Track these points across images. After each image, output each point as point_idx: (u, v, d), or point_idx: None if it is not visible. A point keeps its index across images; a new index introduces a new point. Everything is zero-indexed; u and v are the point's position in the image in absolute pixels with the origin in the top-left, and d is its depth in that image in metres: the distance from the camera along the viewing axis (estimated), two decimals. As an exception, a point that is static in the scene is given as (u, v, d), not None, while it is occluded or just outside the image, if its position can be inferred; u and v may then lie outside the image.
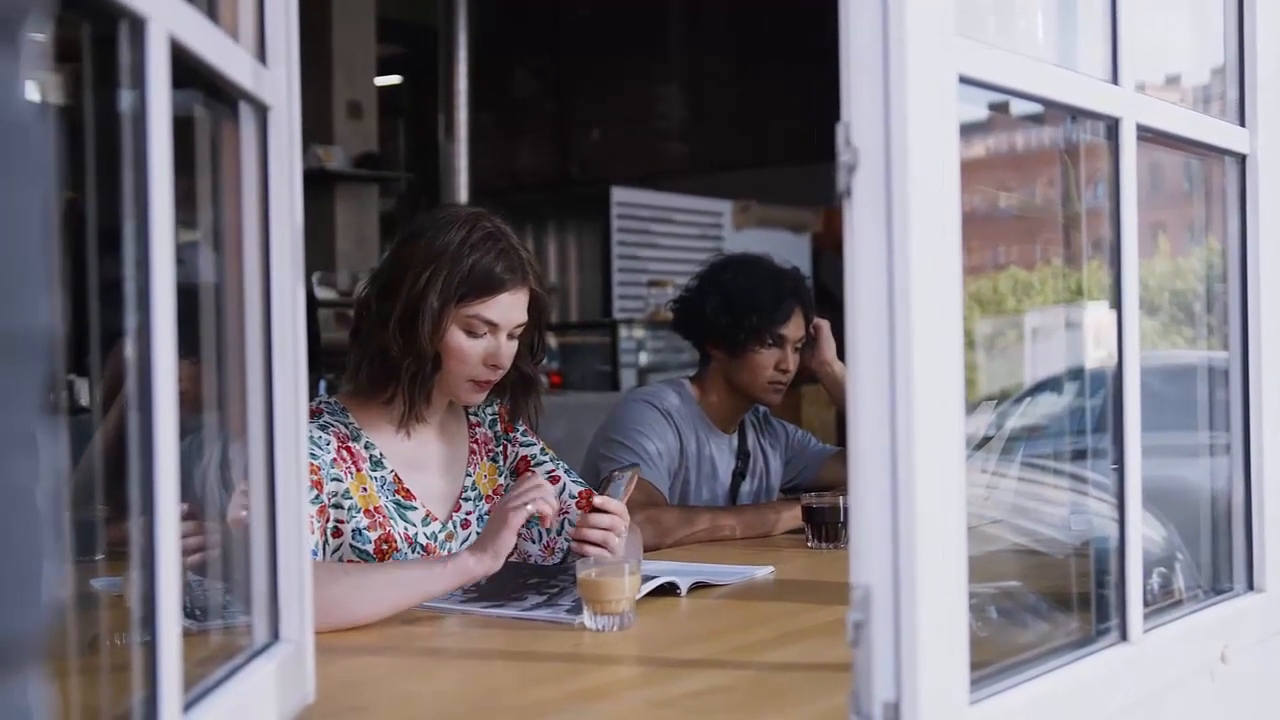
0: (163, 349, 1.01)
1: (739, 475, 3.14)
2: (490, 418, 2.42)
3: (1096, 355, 1.92)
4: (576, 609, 1.90)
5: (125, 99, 1.02)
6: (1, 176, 0.57)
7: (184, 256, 1.09)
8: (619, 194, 8.07)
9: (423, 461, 2.30)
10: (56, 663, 0.65)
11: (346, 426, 2.22)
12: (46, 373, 0.60)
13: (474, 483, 2.36)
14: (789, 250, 6.55)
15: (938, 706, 1.17)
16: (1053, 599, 1.74)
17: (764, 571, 2.35)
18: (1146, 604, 1.55)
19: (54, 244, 0.61)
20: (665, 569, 2.17)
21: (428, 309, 2.15)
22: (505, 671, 1.68)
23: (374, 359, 2.21)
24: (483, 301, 2.18)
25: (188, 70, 1.11)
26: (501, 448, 2.41)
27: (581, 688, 1.61)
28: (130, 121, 1.01)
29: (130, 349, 1.01)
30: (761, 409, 3.20)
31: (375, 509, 2.19)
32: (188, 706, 1.08)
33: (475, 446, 2.38)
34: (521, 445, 2.43)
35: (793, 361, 3.02)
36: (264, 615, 1.36)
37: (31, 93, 0.60)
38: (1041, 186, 2.08)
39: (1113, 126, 1.52)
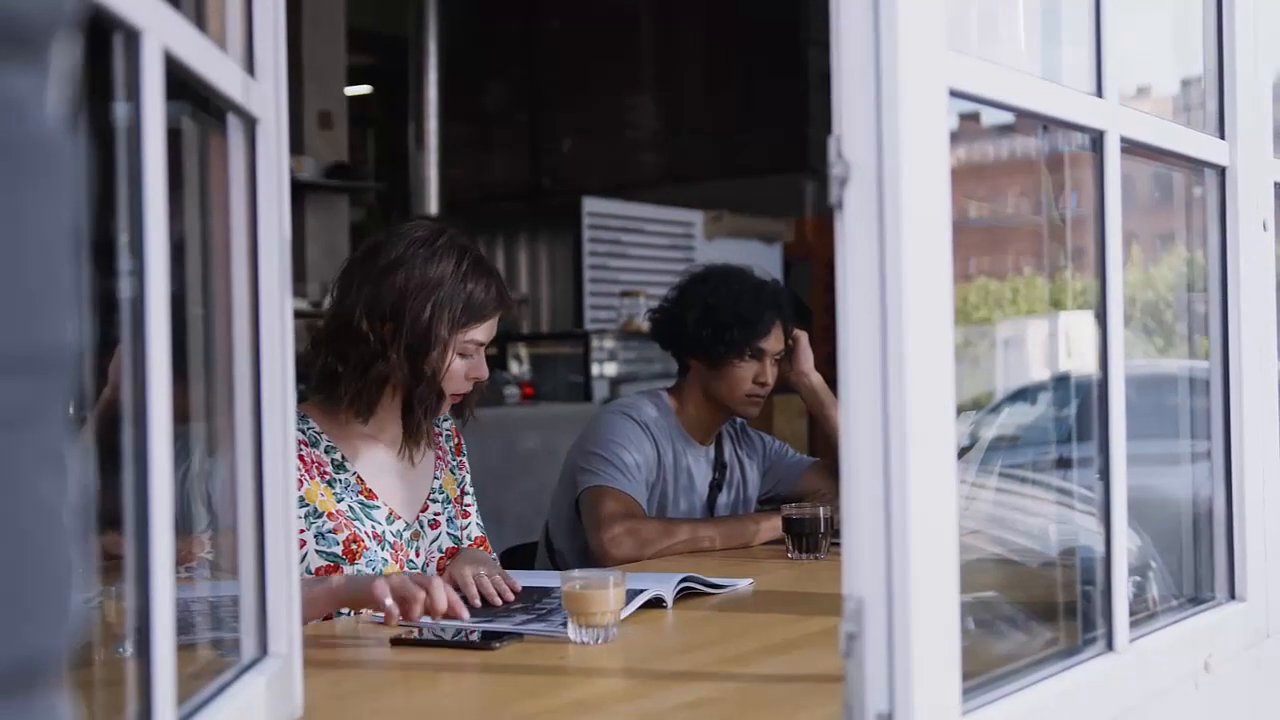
0: (157, 362, 1.01)
1: (716, 487, 3.13)
2: (446, 432, 2.51)
3: (1071, 365, 1.93)
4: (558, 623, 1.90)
5: (119, 110, 1.01)
6: (32, 192, 0.57)
7: (170, 269, 1.09)
8: (590, 204, 8.05)
9: (389, 465, 2.35)
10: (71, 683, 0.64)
11: (304, 432, 2.24)
12: (72, 389, 0.60)
13: (441, 485, 2.43)
14: (760, 260, 6.56)
15: (931, 717, 1.18)
16: (1035, 609, 1.74)
17: (745, 584, 2.35)
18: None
19: (82, 260, 0.61)
20: (647, 582, 2.17)
21: (438, 341, 2.24)
22: (493, 685, 1.68)
23: (374, 385, 2.25)
24: (479, 326, 2.30)
25: (177, 82, 1.11)
26: (458, 462, 2.51)
27: (570, 701, 1.60)
28: (124, 133, 1.01)
29: (125, 361, 1.00)
30: (739, 420, 3.20)
31: (337, 512, 2.23)
32: (181, 723, 1.07)
33: (440, 452, 2.46)
34: (466, 471, 2.53)
35: (771, 374, 3.02)
36: (252, 630, 1.35)
37: (60, 108, 0.60)
38: (1013, 197, 2.10)
39: (1097, 139, 1.53)
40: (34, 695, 0.56)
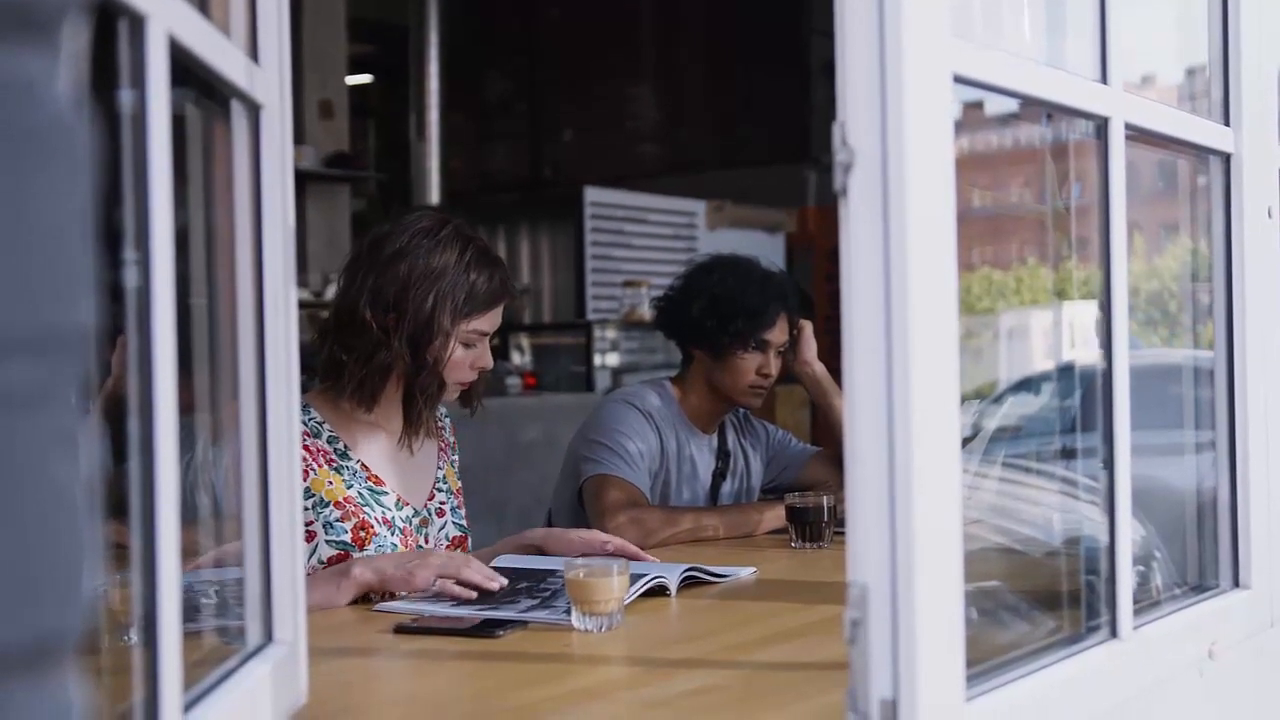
0: (162, 350, 1.01)
1: (719, 476, 3.14)
2: (446, 426, 2.54)
3: (1075, 354, 1.93)
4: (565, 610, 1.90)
5: (124, 97, 1.01)
6: (45, 174, 0.57)
7: (174, 257, 1.09)
8: (592, 194, 8.05)
9: (392, 454, 2.37)
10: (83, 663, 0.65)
11: (306, 424, 2.25)
12: (85, 372, 0.60)
13: (444, 476, 2.46)
14: (762, 250, 6.54)
15: (935, 703, 1.18)
16: (1039, 598, 1.74)
17: (748, 572, 2.35)
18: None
19: (94, 241, 0.61)
20: (651, 569, 2.17)
21: (440, 329, 2.26)
22: (496, 673, 1.68)
23: (377, 374, 2.27)
24: (482, 316, 2.31)
25: (181, 68, 1.10)
26: (457, 457, 2.54)
27: (574, 688, 1.60)
28: (129, 119, 1.00)
29: (130, 350, 1.00)
30: (742, 409, 3.20)
31: (345, 499, 2.25)
32: (187, 708, 1.07)
33: (443, 444, 2.49)
34: (457, 469, 2.55)
35: (775, 366, 3.02)
36: (258, 617, 1.35)
37: (70, 90, 0.60)
38: (1016, 186, 2.09)
39: (1102, 126, 1.53)
40: (46, 675, 0.56)
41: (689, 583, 2.21)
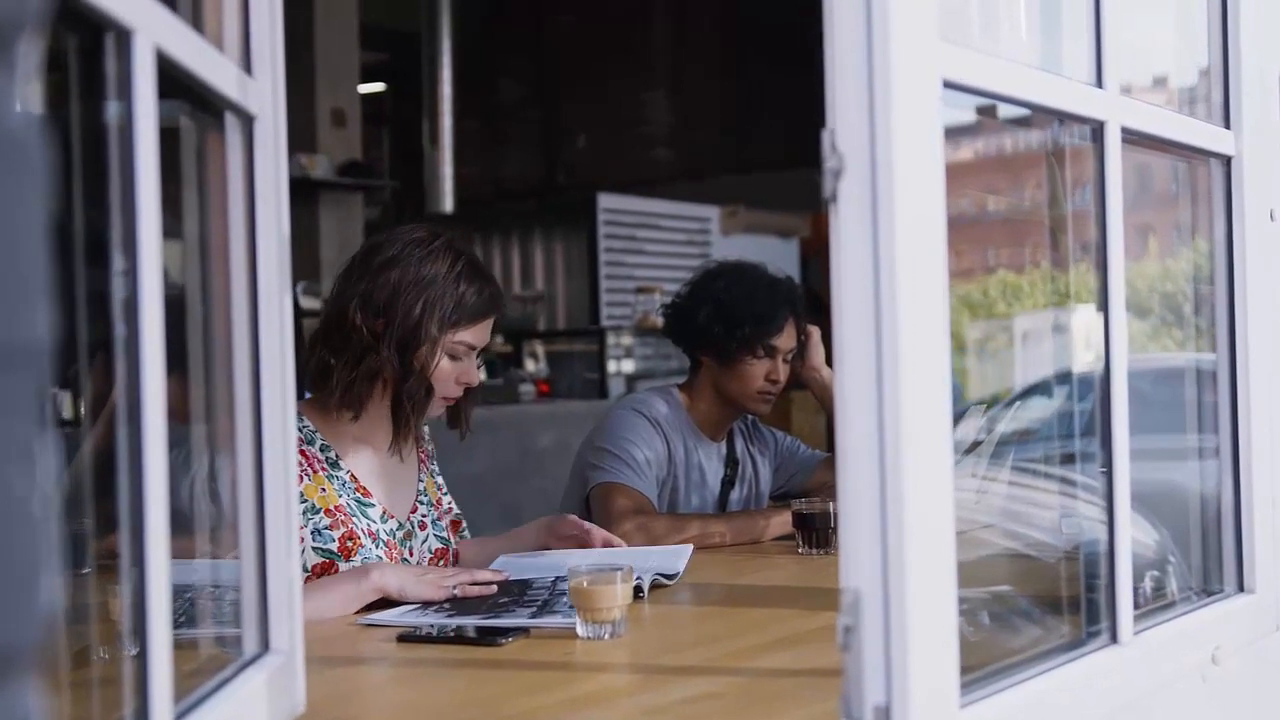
0: (151, 361, 1.01)
1: (728, 483, 3.13)
2: (425, 433, 2.55)
3: (1086, 358, 1.92)
4: (573, 613, 1.90)
5: (111, 110, 1.01)
6: (1, 189, 0.57)
7: (168, 268, 1.09)
8: (605, 200, 8.04)
9: (378, 466, 2.38)
10: (47, 675, 0.65)
11: (300, 431, 2.26)
12: (43, 383, 0.60)
13: (424, 488, 2.47)
14: (776, 256, 6.56)
15: (928, 710, 1.18)
16: (1043, 602, 1.74)
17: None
18: (1138, 607, 1.56)
19: (51, 255, 0.61)
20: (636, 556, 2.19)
21: (427, 337, 2.27)
22: (497, 681, 1.68)
23: (365, 379, 2.28)
24: (469, 329, 2.32)
25: (173, 80, 1.11)
26: (435, 465, 2.55)
27: (575, 695, 1.60)
28: (116, 132, 1.01)
29: (119, 361, 1.01)
30: (750, 416, 3.20)
31: (336, 508, 2.27)
32: (180, 717, 1.08)
33: (423, 457, 2.50)
34: (438, 475, 2.56)
35: (783, 372, 3.02)
36: (254, 626, 1.36)
37: (28, 104, 0.60)
38: (1030, 189, 2.09)
39: (1098, 129, 1.53)
40: (2, 685, 0.56)
41: (658, 581, 2.25)
